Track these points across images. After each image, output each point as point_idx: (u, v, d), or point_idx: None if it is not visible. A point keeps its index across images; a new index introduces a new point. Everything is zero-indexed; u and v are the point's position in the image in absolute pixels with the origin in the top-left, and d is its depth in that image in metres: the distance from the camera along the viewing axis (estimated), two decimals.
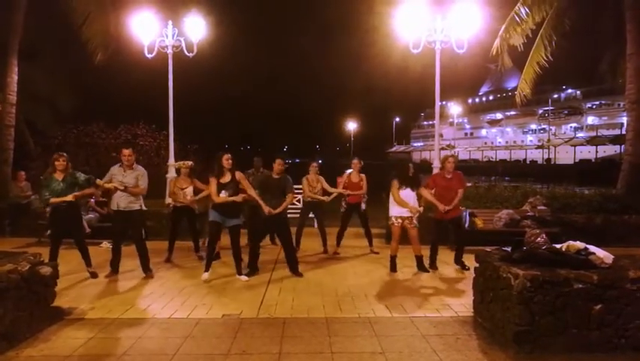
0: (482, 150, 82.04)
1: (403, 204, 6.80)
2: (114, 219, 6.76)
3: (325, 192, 8.34)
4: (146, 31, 10.32)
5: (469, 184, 10.44)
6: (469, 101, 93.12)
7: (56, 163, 6.32)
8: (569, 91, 71.23)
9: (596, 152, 56.83)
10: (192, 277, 6.69)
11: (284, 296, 5.78)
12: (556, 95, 70.41)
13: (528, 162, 65.69)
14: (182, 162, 8.39)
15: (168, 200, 7.95)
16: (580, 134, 65.68)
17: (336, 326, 4.74)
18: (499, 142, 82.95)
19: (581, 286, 4.06)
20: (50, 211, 6.49)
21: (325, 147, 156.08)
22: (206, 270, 6.55)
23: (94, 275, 6.60)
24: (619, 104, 56.14)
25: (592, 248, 4.44)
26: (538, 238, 4.65)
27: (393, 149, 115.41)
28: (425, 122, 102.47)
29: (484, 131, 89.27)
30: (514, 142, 77.95)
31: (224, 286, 6.25)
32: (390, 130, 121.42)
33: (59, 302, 5.12)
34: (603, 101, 64.19)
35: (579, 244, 4.48)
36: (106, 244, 8.44)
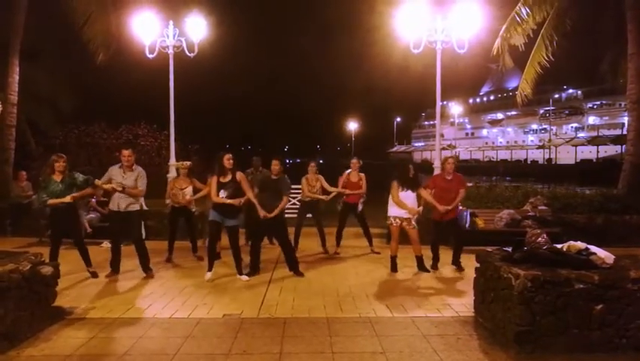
0: (483, 150, 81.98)
1: (402, 205, 6.80)
2: (113, 219, 6.76)
3: (325, 192, 8.34)
4: (147, 31, 10.32)
5: (469, 184, 10.44)
6: (470, 101, 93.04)
7: (56, 165, 6.30)
8: (570, 91, 71.14)
9: (597, 152, 56.77)
10: (193, 276, 6.69)
11: (285, 296, 5.78)
12: (557, 95, 70.34)
13: (529, 162, 65.62)
14: (180, 163, 8.39)
15: (167, 200, 7.92)
16: (581, 135, 65.60)
17: (337, 325, 4.74)
18: (500, 142, 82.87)
19: (582, 286, 4.06)
20: (49, 212, 6.49)
21: (326, 147, 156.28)
22: (209, 270, 6.56)
23: (94, 275, 6.61)
24: (620, 104, 56.08)
25: (593, 248, 4.43)
26: (539, 238, 4.64)
27: (395, 149, 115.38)
28: (426, 122, 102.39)
29: (485, 131, 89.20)
30: (515, 142, 77.87)
31: (225, 286, 6.25)
32: (391, 130, 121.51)
33: (60, 302, 5.13)
34: (604, 101, 64.10)
35: (580, 244, 4.48)
36: (107, 244, 8.44)
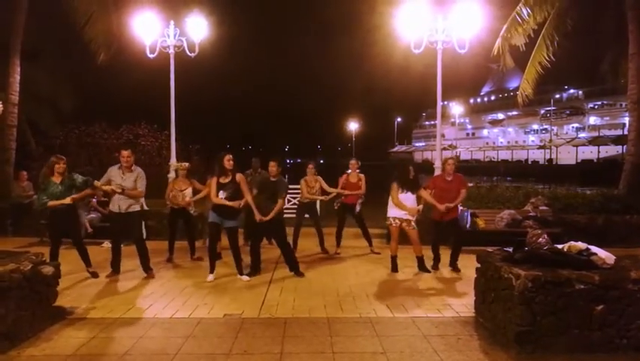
0: (484, 150, 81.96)
1: (401, 206, 6.80)
2: (113, 220, 6.76)
3: (324, 192, 8.35)
4: (148, 31, 10.32)
5: (470, 185, 10.43)
6: (471, 101, 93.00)
7: (56, 166, 6.29)
8: (571, 91, 71.10)
9: (598, 152, 56.76)
10: (193, 276, 6.70)
11: (285, 296, 5.78)
12: (558, 95, 70.27)
13: (530, 163, 65.64)
14: (179, 164, 8.38)
15: (167, 203, 7.89)
16: (582, 135, 65.57)
17: (337, 326, 4.74)
18: (501, 142, 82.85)
19: (582, 286, 4.05)
20: (49, 213, 6.48)
21: (327, 147, 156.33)
22: (211, 271, 6.57)
23: (94, 275, 6.61)
24: (621, 105, 56.03)
25: (594, 249, 4.43)
26: (540, 239, 4.64)
27: (395, 149, 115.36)
28: (427, 122, 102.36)
29: (485, 132, 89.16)
30: (516, 142, 77.83)
31: (226, 286, 6.25)
32: (391, 130, 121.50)
33: (61, 302, 5.13)
34: (605, 102, 64.04)
35: (581, 245, 4.48)
36: (107, 244, 8.44)
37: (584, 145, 60.11)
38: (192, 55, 10.61)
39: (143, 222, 7.51)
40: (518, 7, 11.90)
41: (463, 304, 5.41)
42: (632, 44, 11.00)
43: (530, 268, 4.22)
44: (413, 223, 6.89)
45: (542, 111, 71.61)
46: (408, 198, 6.84)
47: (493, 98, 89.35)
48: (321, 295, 5.84)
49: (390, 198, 6.93)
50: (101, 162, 14.12)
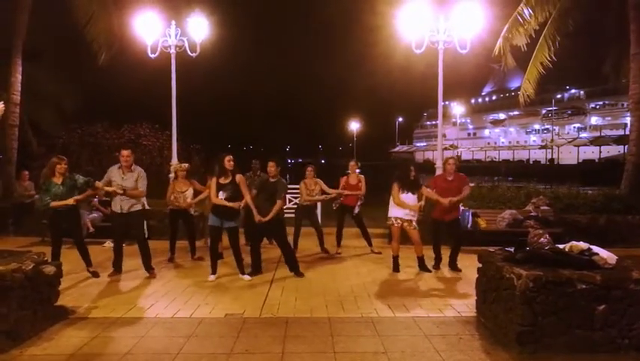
0: (485, 150, 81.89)
1: (403, 205, 6.80)
2: (115, 220, 6.77)
3: (324, 193, 8.37)
4: (149, 31, 10.33)
5: (472, 184, 10.41)
6: (472, 101, 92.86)
7: (57, 167, 6.29)
8: (573, 91, 70.95)
9: (600, 152, 56.66)
10: (195, 276, 6.71)
11: (286, 296, 5.78)
12: (559, 95, 70.14)
13: (531, 163, 65.56)
14: (178, 165, 8.37)
15: (169, 205, 7.87)
16: (583, 135, 65.46)
17: (338, 325, 4.74)
18: (502, 142, 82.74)
19: (584, 286, 4.05)
20: (51, 213, 6.48)
21: (328, 147, 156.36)
22: (213, 272, 6.58)
23: (95, 275, 6.61)
24: (622, 105, 55.91)
25: (595, 249, 4.43)
26: (542, 239, 4.64)
27: (397, 149, 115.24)
28: (428, 122, 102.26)
29: (487, 132, 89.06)
30: (517, 142, 77.72)
31: (227, 285, 6.26)
32: (393, 130, 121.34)
33: (63, 301, 5.14)
34: (607, 102, 63.90)
35: (582, 245, 4.47)
36: (109, 244, 8.46)
37: (585, 145, 60.02)
38: (193, 55, 10.61)
39: (145, 222, 7.52)
40: (520, 8, 11.89)
41: (465, 304, 5.41)
42: (633, 44, 10.98)
43: (532, 268, 4.22)
44: (414, 223, 6.90)
45: (544, 111, 71.50)
46: (409, 199, 6.84)
47: (494, 98, 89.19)
48: (323, 294, 5.84)
49: (391, 198, 6.94)
50: (101, 162, 14.16)
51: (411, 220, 6.89)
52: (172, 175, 9.79)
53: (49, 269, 4.76)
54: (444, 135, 29.37)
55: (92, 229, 8.95)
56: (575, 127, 69.26)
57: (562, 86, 68.47)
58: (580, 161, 57.02)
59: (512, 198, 10.27)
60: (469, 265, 6.62)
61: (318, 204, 9.68)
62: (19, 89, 11.56)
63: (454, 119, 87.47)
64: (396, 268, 7.02)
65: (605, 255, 4.33)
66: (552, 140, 63.87)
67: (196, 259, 7.81)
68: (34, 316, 4.46)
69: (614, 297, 4.06)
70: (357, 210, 8.36)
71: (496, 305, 4.52)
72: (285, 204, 8.98)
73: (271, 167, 6.86)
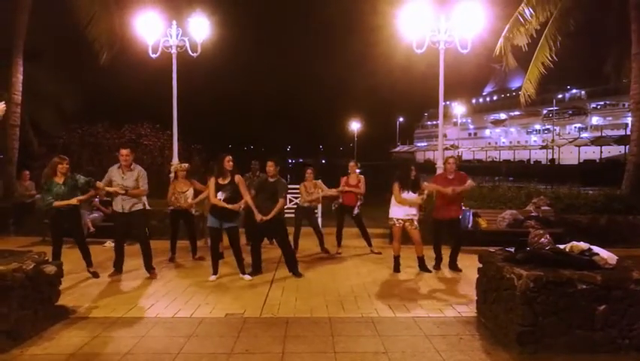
0: (486, 151, 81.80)
1: (404, 202, 6.82)
2: (117, 220, 6.77)
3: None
4: (150, 31, 10.34)
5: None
6: (473, 101, 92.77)
7: (59, 167, 6.30)
8: (574, 91, 70.84)
9: (601, 152, 56.57)
10: (195, 276, 6.71)
11: (287, 296, 5.78)
12: (560, 95, 70.03)
13: (532, 163, 65.48)
14: (178, 164, 8.37)
15: (170, 207, 7.87)
16: (584, 135, 65.35)
17: (339, 325, 4.74)
18: (503, 142, 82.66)
19: (584, 286, 4.05)
20: (53, 213, 6.49)
21: (329, 147, 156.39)
22: (214, 272, 6.58)
23: (95, 275, 6.61)
24: (624, 105, 55.81)
25: (596, 249, 4.42)
26: (542, 239, 4.64)
27: (397, 149, 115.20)
28: (429, 122, 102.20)
29: (487, 132, 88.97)
30: (518, 142, 77.63)
31: (228, 285, 6.26)
32: (393, 130, 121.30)
33: (63, 301, 5.14)
34: (608, 102, 63.80)
35: (583, 245, 4.47)
36: (110, 243, 8.48)
37: (586, 145, 59.93)
38: (194, 55, 10.62)
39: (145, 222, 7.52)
40: (521, 8, 11.87)
41: (465, 304, 5.41)
42: (635, 44, 10.97)
43: (532, 268, 4.22)
44: (416, 223, 6.91)
45: (545, 111, 71.40)
46: (410, 198, 6.86)
47: (495, 98, 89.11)
48: (323, 295, 5.84)
49: (392, 197, 6.95)
50: (102, 162, 14.17)
51: (412, 220, 6.90)
52: (172, 175, 9.82)
53: (50, 269, 4.76)
54: (445, 135, 29.37)
55: (92, 229, 8.95)
56: (575, 127, 69.17)
57: (563, 86, 68.39)
58: (581, 161, 56.91)
59: (513, 198, 10.26)
60: (470, 265, 6.63)
61: (319, 206, 9.69)
62: (20, 89, 11.58)
63: (454, 119, 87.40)
64: (396, 268, 7.02)
65: (606, 255, 4.33)
66: (553, 140, 63.80)
67: (197, 259, 7.81)
68: (34, 315, 4.47)
69: (614, 297, 4.05)
70: (356, 210, 8.36)
71: (497, 305, 4.52)
72: (286, 204, 8.98)
73: (270, 166, 6.86)
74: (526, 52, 12.57)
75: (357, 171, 8.64)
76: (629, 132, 15.24)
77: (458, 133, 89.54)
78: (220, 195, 6.38)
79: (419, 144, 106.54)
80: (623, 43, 12.18)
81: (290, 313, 5.15)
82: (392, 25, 10.24)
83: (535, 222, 8.55)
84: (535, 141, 73.55)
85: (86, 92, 18.95)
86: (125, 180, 6.53)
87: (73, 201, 6.30)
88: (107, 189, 6.52)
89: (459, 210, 7.28)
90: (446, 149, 52.88)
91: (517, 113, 76.35)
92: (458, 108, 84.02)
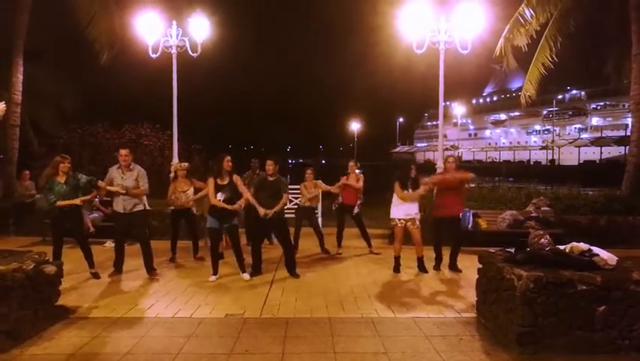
0: (486, 151, 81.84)
1: (406, 197, 6.83)
2: (118, 220, 6.77)
3: (324, 192, 8.43)
4: (150, 31, 10.34)
5: (472, 185, 10.39)
6: (473, 101, 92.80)
7: (61, 166, 6.30)
8: (574, 92, 70.87)
9: (601, 153, 56.60)
10: (195, 276, 6.71)
11: (287, 296, 5.78)
12: (560, 96, 70.05)
13: (532, 163, 65.52)
14: (178, 164, 8.36)
15: (171, 207, 7.87)
16: (584, 136, 65.40)
17: (339, 326, 4.74)
18: (503, 143, 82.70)
19: (584, 287, 4.05)
20: (55, 212, 6.49)
21: (329, 148, 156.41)
22: (214, 273, 6.58)
23: (96, 276, 6.60)
24: (624, 105, 55.83)
25: (596, 250, 4.43)
26: (542, 239, 4.64)
27: (397, 149, 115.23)
28: (429, 123, 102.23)
29: (488, 132, 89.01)
30: (518, 143, 77.68)
31: (228, 286, 6.26)
32: (393, 130, 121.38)
33: (63, 301, 5.14)
34: (608, 102, 63.84)
35: (583, 246, 4.47)
36: (110, 244, 8.47)
37: (586, 146, 59.96)
38: (195, 55, 10.62)
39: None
40: (521, 8, 11.88)
41: (465, 305, 5.41)
42: (635, 45, 10.98)
43: (532, 268, 4.22)
44: (417, 223, 6.92)
45: (545, 112, 71.43)
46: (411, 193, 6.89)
47: (495, 98, 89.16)
48: (323, 295, 5.84)
49: (393, 198, 6.96)
50: (103, 162, 14.17)
51: (414, 219, 6.92)
52: (172, 175, 9.82)
53: (50, 269, 4.76)
54: (445, 136, 29.39)
55: (92, 229, 8.94)
56: (575, 128, 69.20)
57: (563, 87, 68.44)
58: (581, 162, 56.93)
59: (513, 198, 10.26)
60: (470, 265, 6.63)
61: (319, 206, 9.69)
62: (21, 89, 11.58)
63: (455, 120, 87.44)
64: (397, 268, 7.02)
65: (606, 256, 4.33)
66: (553, 140, 63.81)
67: (198, 259, 7.81)
68: (34, 315, 4.47)
69: (614, 298, 4.05)
70: (356, 210, 8.37)
71: (497, 306, 4.52)
72: (287, 204, 8.98)
73: (269, 165, 6.86)
74: (527, 52, 12.58)
75: (357, 171, 8.64)
76: (629, 133, 15.24)
77: (458, 134, 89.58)
78: (220, 196, 6.39)
79: (419, 145, 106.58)
80: (624, 44, 12.19)
81: (290, 313, 5.15)
82: (392, 26, 10.25)
83: (535, 223, 8.54)
84: (535, 142, 73.60)
85: (86, 92, 18.96)
86: (125, 181, 6.53)
87: (77, 201, 6.32)
88: (109, 188, 6.53)
89: (460, 208, 7.24)
90: (446, 149, 52.92)
91: (517, 113, 76.38)
92: (458, 109, 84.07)
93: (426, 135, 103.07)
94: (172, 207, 7.82)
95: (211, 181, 6.51)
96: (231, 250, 6.84)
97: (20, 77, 11.57)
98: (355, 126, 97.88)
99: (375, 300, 5.66)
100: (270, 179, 6.85)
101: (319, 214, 10.32)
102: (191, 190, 7.75)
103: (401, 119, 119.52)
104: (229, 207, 6.35)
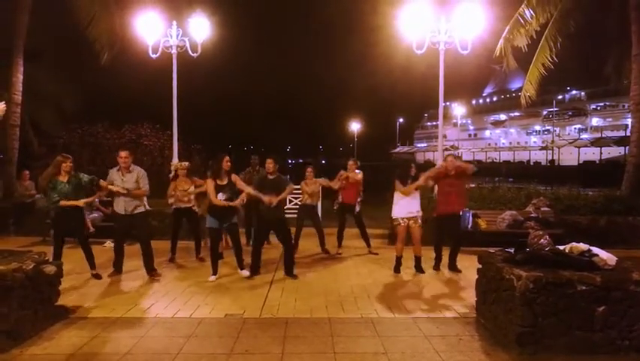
0: (486, 151, 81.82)
1: (408, 190, 6.84)
2: (119, 221, 6.76)
3: (325, 190, 8.45)
4: (150, 31, 10.35)
5: (472, 185, 10.40)
6: (473, 102, 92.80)
7: (63, 165, 6.31)
8: (574, 92, 70.85)
9: (601, 153, 56.61)
10: (195, 276, 6.71)
11: (286, 296, 5.78)
12: (560, 97, 70.03)
13: (532, 164, 65.53)
14: (178, 163, 8.36)
15: (170, 201, 7.88)
16: (584, 136, 65.40)
17: (338, 326, 4.74)
18: (503, 143, 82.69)
19: (584, 287, 4.05)
20: (57, 212, 6.49)
21: (329, 148, 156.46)
22: (214, 273, 6.59)
23: (97, 277, 6.60)
24: (624, 106, 55.81)
25: (595, 250, 4.43)
26: (542, 240, 4.64)
27: (397, 149, 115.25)
28: (429, 123, 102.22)
29: (487, 133, 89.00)
30: (518, 143, 77.68)
31: (227, 286, 6.26)
32: (393, 131, 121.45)
33: (63, 301, 5.14)
34: (608, 103, 63.84)
35: (583, 246, 4.47)
36: (109, 244, 8.47)
37: (586, 146, 59.97)
38: (195, 55, 10.63)
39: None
40: (521, 9, 11.87)
41: (465, 305, 5.41)
42: (635, 45, 10.97)
43: (532, 269, 4.22)
44: (419, 221, 6.93)
45: (545, 112, 71.42)
46: (410, 195, 6.90)
47: (495, 99, 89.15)
48: (323, 295, 5.84)
49: (394, 197, 6.97)
50: (103, 162, 14.19)
51: (416, 218, 6.93)
52: (172, 174, 9.82)
53: (50, 269, 4.76)
54: (445, 136, 29.33)
55: (92, 229, 8.92)
56: (575, 128, 69.19)
57: (563, 87, 68.43)
58: (580, 162, 56.95)
59: (513, 199, 10.25)
60: (469, 265, 6.62)
61: (319, 204, 9.69)
62: (21, 89, 11.58)
63: (454, 120, 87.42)
64: (397, 268, 7.02)
65: (605, 256, 4.33)
66: (553, 141, 63.82)
67: (199, 259, 7.81)
68: (34, 315, 4.47)
69: (614, 298, 4.05)
70: (357, 208, 8.38)
71: (496, 306, 4.52)
72: (287, 205, 9.00)
73: (269, 163, 6.88)
74: (527, 53, 12.57)
75: (357, 171, 8.64)
76: (629, 133, 15.25)
77: (458, 134, 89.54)
78: (221, 197, 6.41)
79: (419, 145, 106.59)
80: (624, 45, 12.18)
81: (289, 313, 5.15)
82: (392, 26, 10.26)
83: (535, 223, 8.54)
84: (535, 142, 73.60)
85: (86, 92, 18.96)
86: (125, 182, 6.54)
87: (80, 202, 6.34)
88: (111, 187, 6.54)
89: (461, 205, 7.20)
90: (446, 150, 52.82)
91: (517, 114, 76.39)
92: (458, 109, 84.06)
93: (426, 136, 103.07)
94: (174, 206, 7.82)
95: (210, 182, 6.52)
96: (231, 250, 6.85)
97: (20, 77, 11.57)
98: (355, 126, 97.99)
99: (375, 300, 5.67)
100: (270, 177, 6.86)
101: (319, 214, 10.32)
102: (192, 189, 7.76)
103: (401, 120, 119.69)
104: (231, 203, 6.37)
